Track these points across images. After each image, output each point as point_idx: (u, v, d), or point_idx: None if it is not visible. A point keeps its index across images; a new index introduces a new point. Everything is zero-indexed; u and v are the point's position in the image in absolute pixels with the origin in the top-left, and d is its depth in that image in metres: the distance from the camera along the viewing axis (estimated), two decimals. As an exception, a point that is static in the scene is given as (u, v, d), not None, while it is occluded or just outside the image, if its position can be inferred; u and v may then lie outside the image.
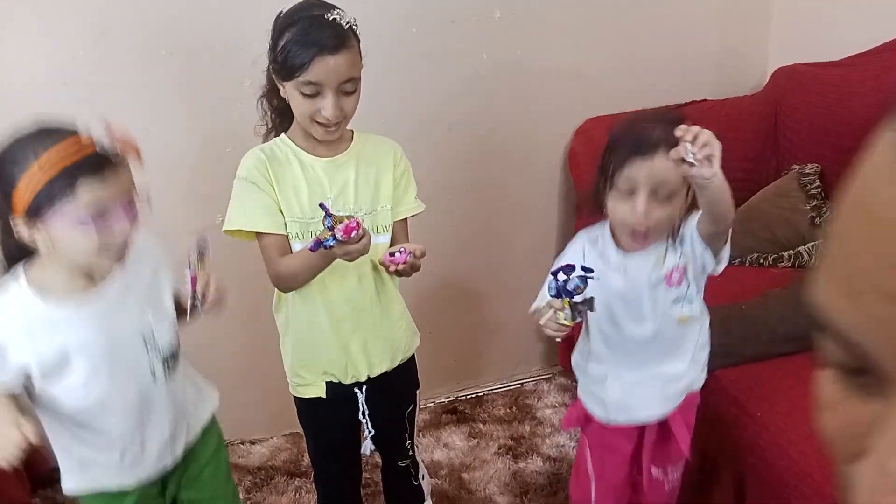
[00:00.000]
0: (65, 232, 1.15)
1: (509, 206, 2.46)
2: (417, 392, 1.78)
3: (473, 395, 2.60)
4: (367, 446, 1.71)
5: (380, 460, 1.86)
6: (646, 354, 1.51)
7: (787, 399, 1.59)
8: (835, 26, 2.32)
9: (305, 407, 1.67)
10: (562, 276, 1.25)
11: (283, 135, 1.54)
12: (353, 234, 1.30)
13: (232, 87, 2.04)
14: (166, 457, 1.42)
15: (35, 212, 1.13)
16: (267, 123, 1.59)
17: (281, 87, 1.45)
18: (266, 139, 1.59)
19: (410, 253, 1.43)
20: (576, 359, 1.68)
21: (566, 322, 1.27)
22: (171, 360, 1.38)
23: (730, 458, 1.71)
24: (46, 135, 1.15)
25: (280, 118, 1.57)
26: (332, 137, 1.47)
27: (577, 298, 1.25)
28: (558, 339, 1.33)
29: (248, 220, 1.47)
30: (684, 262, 1.43)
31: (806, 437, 1.48)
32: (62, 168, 1.11)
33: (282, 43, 1.39)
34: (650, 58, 2.41)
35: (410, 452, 1.81)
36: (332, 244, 1.31)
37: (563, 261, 1.48)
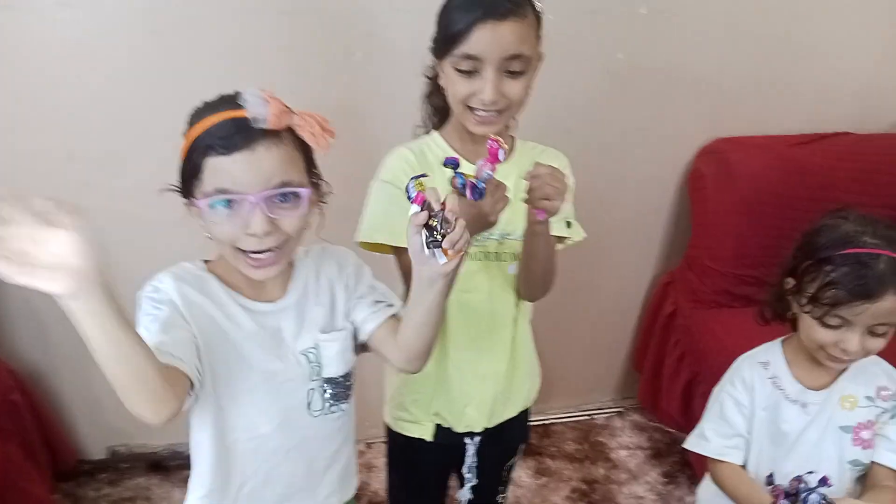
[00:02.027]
0: (203, 216, 0.96)
1: (615, 223, 2.20)
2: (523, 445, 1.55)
3: (540, 424, 2.36)
4: (465, 496, 1.48)
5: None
6: None
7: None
8: None
9: (403, 444, 1.42)
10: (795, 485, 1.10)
11: (435, 132, 1.29)
12: (501, 158, 1.03)
13: (340, 58, 1.80)
14: None
15: (185, 188, 0.97)
16: (426, 127, 1.33)
17: (440, 73, 1.19)
18: None
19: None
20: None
21: None
22: (334, 392, 1.11)
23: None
24: (211, 105, 0.96)
25: (440, 120, 1.31)
26: (487, 131, 1.17)
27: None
28: None
29: (391, 234, 1.20)
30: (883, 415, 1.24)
31: None
32: (194, 140, 0.93)
33: (443, 10, 1.15)
34: (794, 80, 2.14)
35: (501, 506, 1.59)
36: (488, 176, 1.04)
37: (728, 389, 1.32)
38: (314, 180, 1.01)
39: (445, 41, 1.13)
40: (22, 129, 1.73)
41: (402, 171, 1.21)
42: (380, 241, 1.21)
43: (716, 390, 1.35)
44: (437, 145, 1.27)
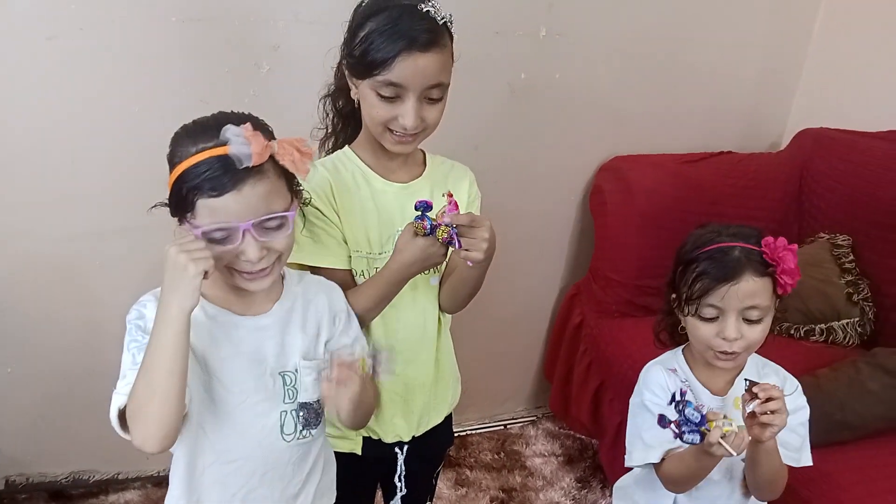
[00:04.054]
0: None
1: (520, 238, 2.27)
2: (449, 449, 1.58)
3: (457, 435, 2.40)
4: None
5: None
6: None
7: (853, 497, 1.48)
8: (865, 97, 2.28)
9: (332, 460, 1.42)
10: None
11: (347, 148, 1.31)
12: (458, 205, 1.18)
13: (247, 69, 1.81)
14: None
15: (173, 211, 1.01)
16: (326, 127, 1.36)
17: (353, 87, 1.23)
18: (322, 146, 1.37)
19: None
20: (626, 484, 1.50)
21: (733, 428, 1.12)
22: (306, 417, 1.13)
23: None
24: (193, 135, 0.99)
25: (343, 123, 1.34)
26: (405, 150, 1.25)
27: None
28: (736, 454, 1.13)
29: (311, 254, 1.23)
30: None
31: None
32: (181, 175, 0.97)
33: (362, 33, 1.16)
34: (682, 103, 2.31)
35: (429, 516, 1.61)
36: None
37: (648, 396, 1.35)
38: (295, 190, 1.06)
39: (366, 66, 1.15)
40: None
41: (321, 190, 1.24)
42: (303, 263, 1.23)
43: (634, 402, 1.38)
44: (351, 161, 1.30)
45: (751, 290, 1.22)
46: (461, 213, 1.16)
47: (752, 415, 1.15)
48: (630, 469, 1.46)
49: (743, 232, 1.27)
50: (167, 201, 1.02)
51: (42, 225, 1.81)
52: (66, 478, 2.08)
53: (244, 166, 0.95)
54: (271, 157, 0.99)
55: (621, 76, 2.19)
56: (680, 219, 2.13)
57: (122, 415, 0.96)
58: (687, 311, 1.28)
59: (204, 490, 1.10)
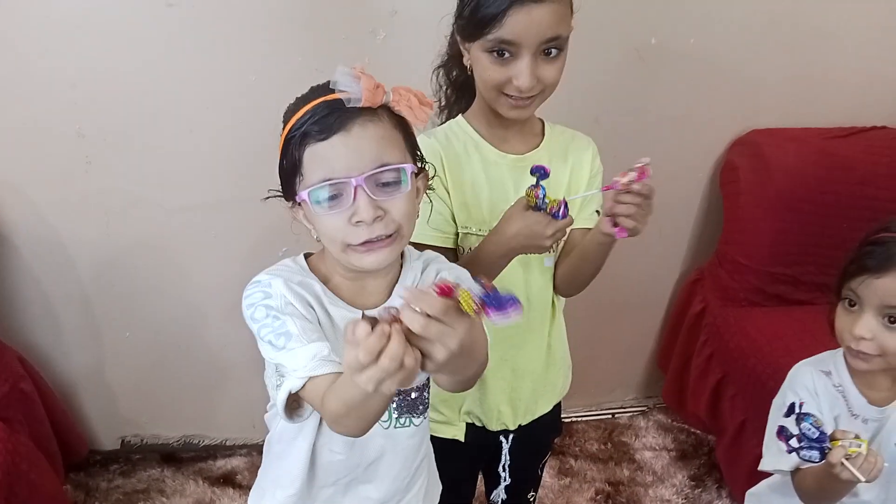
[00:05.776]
0: (309, 213, 0.92)
1: (641, 217, 2.13)
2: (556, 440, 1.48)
3: (562, 422, 2.30)
4: (500, 494, 1.43)
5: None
6: None
7: None
8: None
9: (434, 447, 1.34)
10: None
11: (460, 117, 1.23)
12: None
13: (363, 38, 1.75)
14: None
15: (285, 188, 0.94)
16: (440, 100, 1.27)
17: (465, 53, 1.14)
18: (436, 119, 1.27)
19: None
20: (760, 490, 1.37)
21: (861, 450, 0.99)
22: (400, 404, 1.05)
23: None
24: (303, 97, 0.92)
25: (457, 95, 1.26)
26: (521, 115, 1.14)
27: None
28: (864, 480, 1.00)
29: (416, 230, 1.13)
30: None
31: None
32: (289, 131, 0.90)
33: None
34: (829, 73, 2.07)
35: (532, 505, 1.53)
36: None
37: (791, 399, 1.19)
38: (417, 164, 0.96)
39: (476, 24, 1.07)
40: (29, 103, 1.68)
41: (430, 160, 1.15)
42: (418, 242, 1.15)
43: (777, 402, 1.27)
44: (464, 131, 1.21)
45: (894, 290, 1.08)
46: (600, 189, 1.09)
47: None
48: (764, 475, 1.32)
49: None
50: (280, 189, 0.95)
51: (161, 194, 1.83)
52: (178, 441, 2.13)
53: (354, 106, 0.86)
54: (387, 109, 0.90)
55: (761, 41, 1.98)
56: (822, 200, 1.94)
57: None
58: (836, 296, 1.17)
59: (318, 470, 1.05)
